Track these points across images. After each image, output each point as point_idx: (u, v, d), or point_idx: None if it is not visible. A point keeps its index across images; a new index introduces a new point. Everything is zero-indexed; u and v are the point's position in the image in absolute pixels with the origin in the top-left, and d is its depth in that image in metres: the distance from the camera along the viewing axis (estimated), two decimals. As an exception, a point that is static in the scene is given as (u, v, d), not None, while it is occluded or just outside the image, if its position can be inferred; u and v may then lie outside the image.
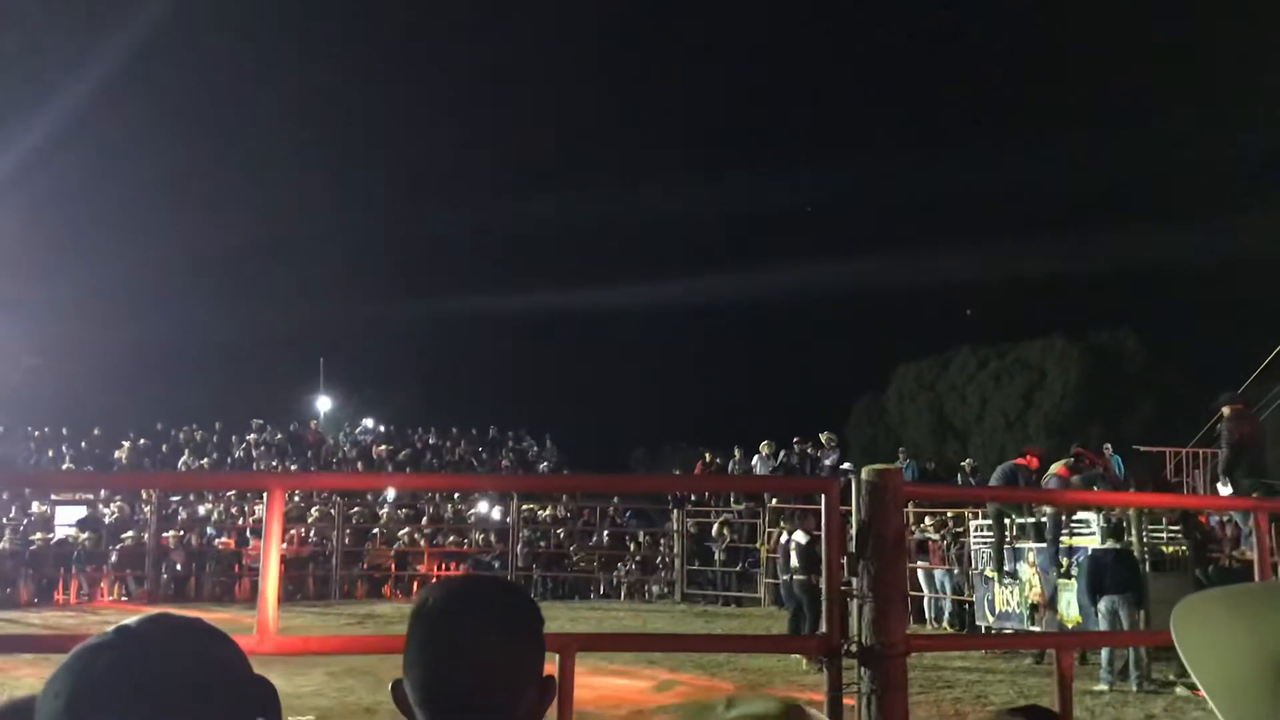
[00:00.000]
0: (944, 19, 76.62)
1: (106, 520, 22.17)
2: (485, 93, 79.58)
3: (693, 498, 23.06)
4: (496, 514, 25.52)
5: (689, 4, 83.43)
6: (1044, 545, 14.19)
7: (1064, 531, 14.03)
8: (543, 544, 24.05)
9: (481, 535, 24.63)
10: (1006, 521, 15.21)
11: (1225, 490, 13.36)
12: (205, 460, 26.44)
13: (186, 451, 26.86)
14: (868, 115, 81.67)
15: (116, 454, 25.77)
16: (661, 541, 24.12)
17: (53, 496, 22.09)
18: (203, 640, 1.20)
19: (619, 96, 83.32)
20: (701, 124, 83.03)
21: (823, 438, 22.53)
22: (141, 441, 26.68)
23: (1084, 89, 68.34)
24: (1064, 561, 13.82)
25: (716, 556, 22.14)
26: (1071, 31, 70.78)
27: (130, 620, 1.18)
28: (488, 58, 77.73)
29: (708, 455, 25.29)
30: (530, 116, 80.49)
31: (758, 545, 21.30)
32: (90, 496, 22.50)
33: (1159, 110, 62.13)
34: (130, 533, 21.78)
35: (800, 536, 14.27)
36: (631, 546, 24.65)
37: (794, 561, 14.26)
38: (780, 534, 16.28)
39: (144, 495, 22.39)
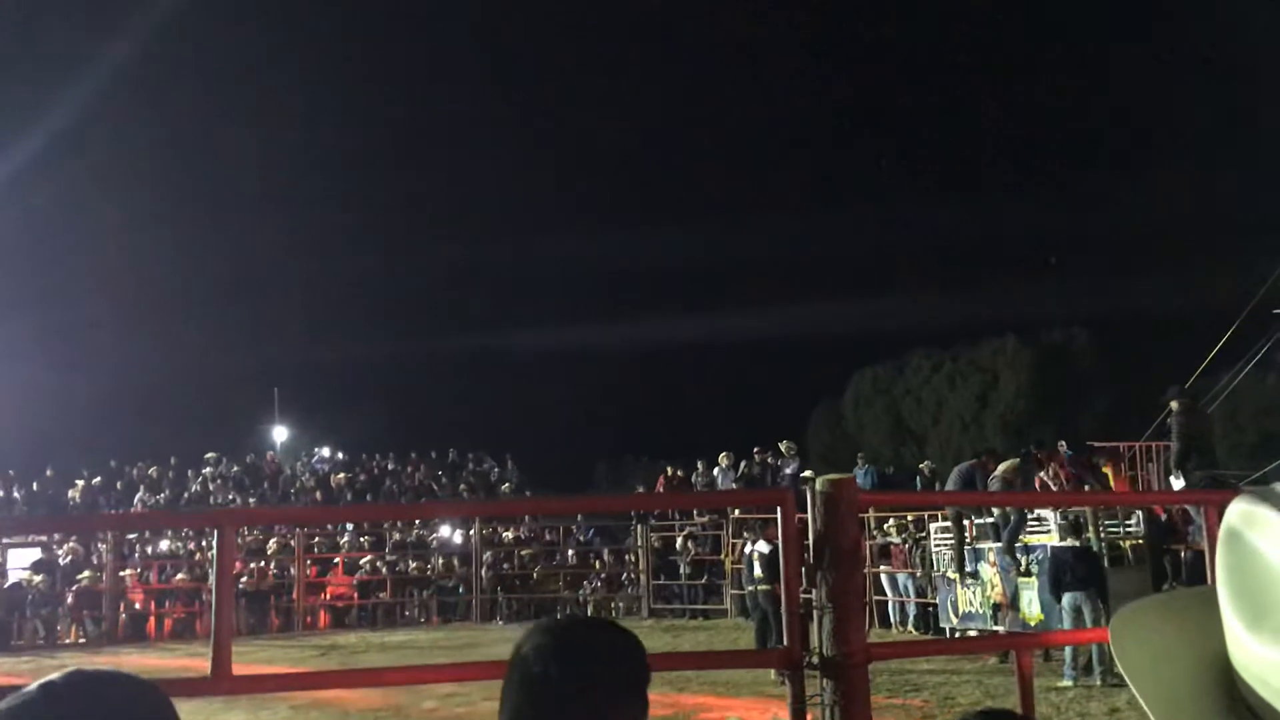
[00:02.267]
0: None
1: (61, 561, 21.78)
2: (437, 139, 79.57)
3: (656, 512, 23.03)
4: (458, 538, 25.34)
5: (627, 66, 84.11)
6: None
7: (1017, 530, 14.12)
8: (506, 566, 23.90)
9: (443, 560, 24.45)
10: (966, 523, 15.32)
11: (1178, 483, 13.55)
12: (161, 496, 26.07)
13: (142, 488, 26.47)
14: (821, 129, 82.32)
15: (70, 493, 25.30)
16: (626, 557, 24.06)
17: (4, 540, 21.67)
18: (128, 691, 1.18)
19: (587, 132, 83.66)
20: (654, 135, 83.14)
21: (783, 446, 22.59)
22: (95, 480, 26.24)
23: (1038, 91, 69.36)
24: (1021, 560, 13.92)
25: (682, 570, 22.13)
26: (1021, 34, 71.88)
27: (54, 676, 1.16)
28: (432, 109, 77.96)
29: (670, 469, 25.28)
30: (488, 160, 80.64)
31: (722, 557, 21.31)
32: (44, 538, 22.08)
33: (1107, 111, 63.17)
34: (86, 573, 21.41)
35: (763, 546, 14.26)
36: (596, 564, 24.57)
37: (758, 571, 14.27)
38: (744, 544, 16.29)
39: (100, 534, 22.03)
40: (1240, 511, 0.91)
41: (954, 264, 61.03)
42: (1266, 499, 0.89)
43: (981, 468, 15.64)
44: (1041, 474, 15.26)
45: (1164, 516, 15.89)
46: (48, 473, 26.57)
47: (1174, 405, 13.88)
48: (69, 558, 21.83)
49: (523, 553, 24.40)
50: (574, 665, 1.40)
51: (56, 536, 21.95)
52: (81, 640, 20.76)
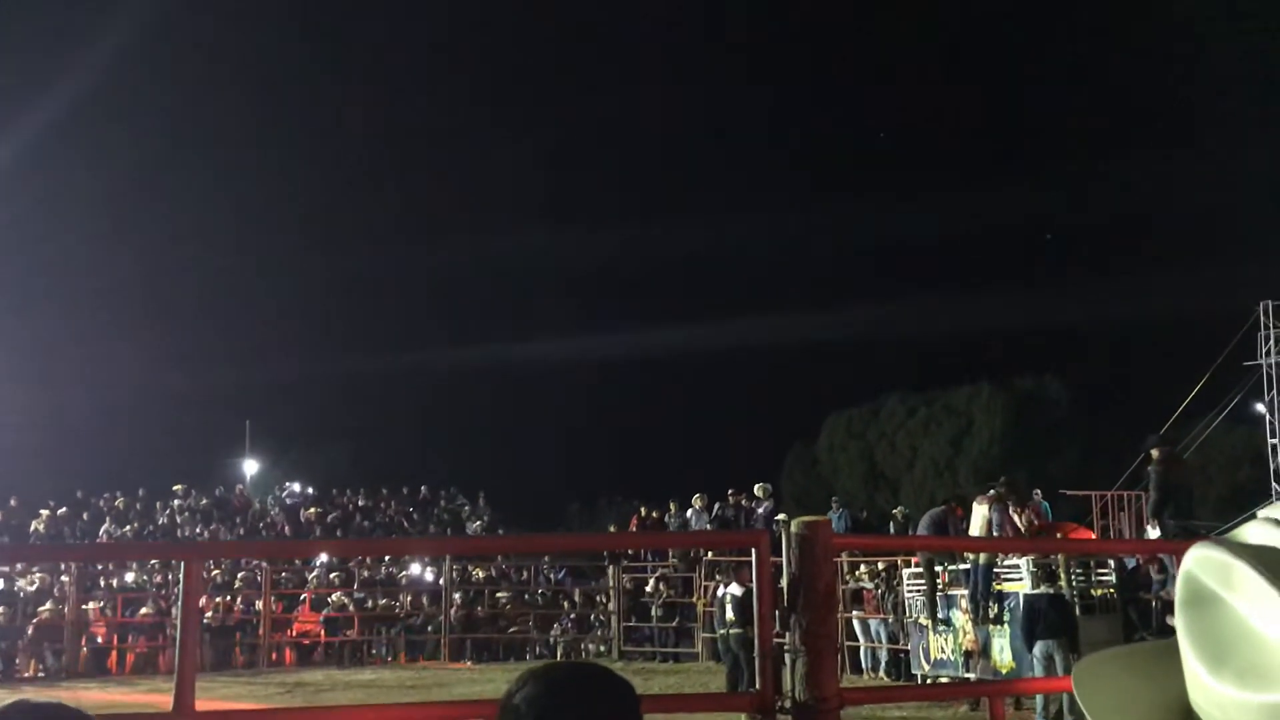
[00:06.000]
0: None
1: (22, 593, 21.44)
2: (400, 152, 79.57)
3: (628, 553, 22.90)
4: (429, 576, 25.12)
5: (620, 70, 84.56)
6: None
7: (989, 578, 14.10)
8: (479, 608, 23.66)
9: (410, 598, 24.21)
10: (938, 569, 15.30)
11: (1154, 533, 13.58)
12: (128, 528, 25.74)
13: (108, 519, 26.14)
14: (787, 171, 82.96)
15: (34, 524, 24.95)
16: (597, 599, 23.90)
17: (-35, 571, 21.34)
18: None
19: (542, 148, 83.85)
20: (625, 175, 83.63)
21: (757, 489, 22.54)
22: (61, 510, 25.90)
23: (1002, 141, 70.24)
24: (993, 608, 13.90)
25: (653, 612, 21.99)
26: (1002, 85, 72.92)
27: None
28: (402, 118, 77.95)
29: (643, 509, 25.17)
30: (452, 173, 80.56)
31: (694, 599, 21.21)
32: (5, 569, 21.75)
33: (1077, 161, 64.02)
34: (48, 605, 21.07)
35: (735, 589, 14.22)
36: (566, 605, 24.39)
37: (730, 614, 14.20)
38: (716, 587, 16.22)
39: (63, 565, 21.71)
40: (1205, 561, 0.93)
41: (931, 308, 61.52)
42: (1235, 552, 0.91)
43: (951, 513, 15.67)
44: (1015, 517, 15.24)
45: (1136, 565, 15.92)
46: (12, 503, 26.23)
47: (1153, 454, 13.87)
48: (32, 588, 21.51)
49: (497, 594, 24.19)
50: (566, 718, 1.36)
51: (19, 567, 21.63)
52: (41, 674, 20.40)
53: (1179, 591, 0.95)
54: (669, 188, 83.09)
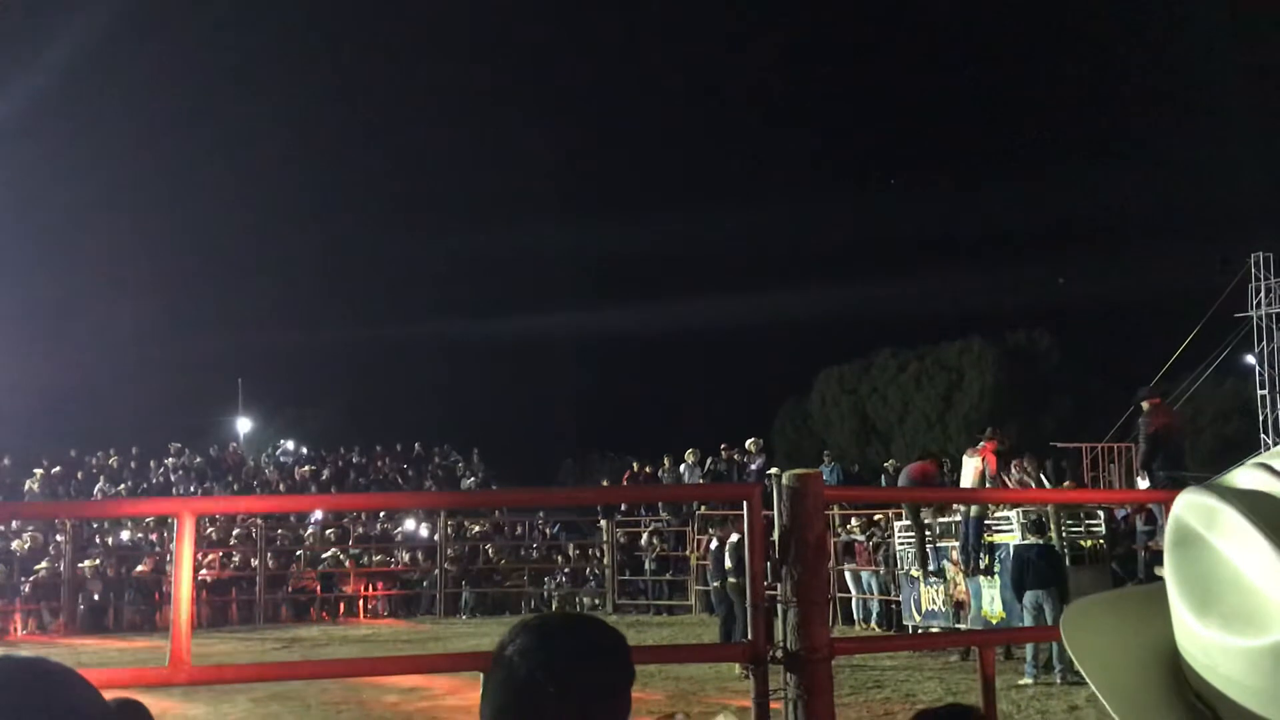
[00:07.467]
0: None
1: (18, 551, 21.49)
2: (399, 122, 78.75)
3: (622, 507, 23.02)
4: (424, 531, 25.23)
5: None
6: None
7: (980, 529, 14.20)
8: (475, 563, 23.77)
9: (408, 553, 24.35)
10: (927, 521, 15.39)
11: (1144, 484, 13.66)
12: (122, 487, 25.77)
13: (102, 478, 26.16)
14: (777, 133, 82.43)
15: (28, 483, 24.98)
16: (591, 552, 24.05)
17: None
18: (45, 683, 1.13)
19: (550, 117, 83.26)
20: (622, 156, 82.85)
21: (749, 444, 22.62)
22: (55, 469, 25.92)
23: (1003, 89, 69.91)
24: (984, 559, 14.00)
25: (647, 566, 22.14)
26: (981, 37, 72.43)
27: None
28: (398, 91, 77.27)
29: (636, 464, 25.28)
30: (450, 142, 79.85)
31: (687, 553, 21.35)
32: (0, 528, 21.79)
33: (1067, 120, 63.81)
34: (44, 563, 21.14)
35: (735, 537, 14.25)
36: (560, 559, 24.54)
37: (729, 563, 14.22)
38: (710, 540, 16.29)
39: (58, 524, 21.76)
40: (1194, 506, 0.93)
41: (923, 262, 61.41)
42: (1224, 497, 0.90)
43: (935, 466, 15.78)
44: (1005, 479, 15.33)
45: (1124, 515, 16.04)
46: (5, 461, 26.24)
47: (1145, 405, 13.93)
48: (28, 546, 21.56)
49: (487, 547, 24.33)
50: (559, 669, 1.38)
51: (14, 525, 21.67)
52: (38, 632, 20.51)
53: (1168, 537, 0.95)
54: (661, 172, 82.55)
